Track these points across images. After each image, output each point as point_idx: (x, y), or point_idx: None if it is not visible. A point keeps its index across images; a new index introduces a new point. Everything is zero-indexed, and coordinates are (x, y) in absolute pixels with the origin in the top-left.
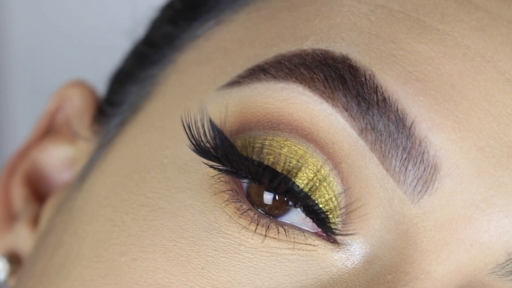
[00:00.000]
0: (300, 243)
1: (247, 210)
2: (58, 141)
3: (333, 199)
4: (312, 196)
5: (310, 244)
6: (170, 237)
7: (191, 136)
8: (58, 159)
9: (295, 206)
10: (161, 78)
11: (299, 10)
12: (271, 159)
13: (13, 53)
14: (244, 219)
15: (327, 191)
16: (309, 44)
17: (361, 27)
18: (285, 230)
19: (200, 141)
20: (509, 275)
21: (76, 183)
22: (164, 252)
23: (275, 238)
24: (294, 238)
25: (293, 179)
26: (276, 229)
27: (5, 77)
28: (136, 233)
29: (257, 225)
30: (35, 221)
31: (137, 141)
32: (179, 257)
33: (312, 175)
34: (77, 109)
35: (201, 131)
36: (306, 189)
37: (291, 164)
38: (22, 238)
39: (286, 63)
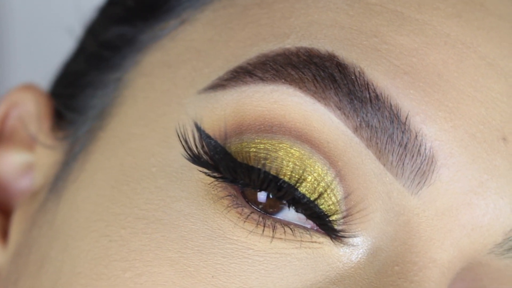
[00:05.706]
0: (306, 241)
1: (250, 213)
2: (11, 147)
3: (336, 203)
4: (315, 201)
5: (316, 242)
6: (174, 249)
7: (188, 149)
8: (14, 166)
9: (296, 211)
10: (126, 81)
11: (272, 7)
12: (268, 164)
13: (12, 52)
14: (250, 223)
15: (330, 197)
16: (291, 43)
17: (341, 23)
18: (291, 229)
19: (197, 152)
20: (505, 253)
21: (49, 194)
22: (171, 265)
23: (281, 239)
24: (300, 236)
25: (297, 188)
26: (282, 229)
27: (4, 76)
28: (138, 247)
29: (264, 226)
30: (1, 233)
31: (117, 151)
32: (187, 268)
33: (316, 183)
34: (32, 113)
35: (192, 141)
36: (308, 195)
37: (294, 172)
38: None
39: (271, 63)
